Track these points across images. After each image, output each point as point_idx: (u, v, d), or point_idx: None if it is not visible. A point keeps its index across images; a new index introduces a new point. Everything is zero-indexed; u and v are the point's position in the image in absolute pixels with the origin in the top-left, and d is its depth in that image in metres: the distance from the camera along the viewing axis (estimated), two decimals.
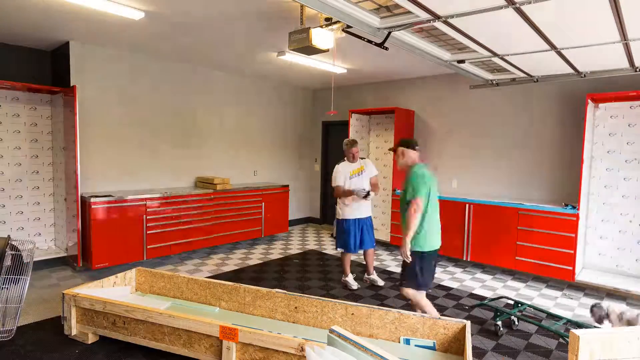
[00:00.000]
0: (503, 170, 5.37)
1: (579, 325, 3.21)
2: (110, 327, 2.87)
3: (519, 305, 3.59)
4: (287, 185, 6.60)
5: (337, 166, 4.32)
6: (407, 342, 2.72)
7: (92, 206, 4.29)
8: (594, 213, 4.60)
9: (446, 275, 4.84)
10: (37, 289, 4.04)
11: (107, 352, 2.83)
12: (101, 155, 4.88)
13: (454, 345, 2.67)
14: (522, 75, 4.49)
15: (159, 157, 5.47)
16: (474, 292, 4.30)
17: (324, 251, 5.86)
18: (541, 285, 4.55)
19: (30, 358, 2.75)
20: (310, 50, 3.26)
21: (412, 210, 2.84)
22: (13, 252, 3.03)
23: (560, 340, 3.19)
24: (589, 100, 4.20)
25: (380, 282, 4.46)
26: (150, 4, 3.35)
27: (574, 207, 4.31)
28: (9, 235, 3.17)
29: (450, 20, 2.70)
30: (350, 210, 4.28)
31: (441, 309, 3.77)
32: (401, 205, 3.07)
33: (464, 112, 5.71)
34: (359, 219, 4.31)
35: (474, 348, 3.04)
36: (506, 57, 3.70)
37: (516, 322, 3.45)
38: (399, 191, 5.80)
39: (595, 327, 3.22)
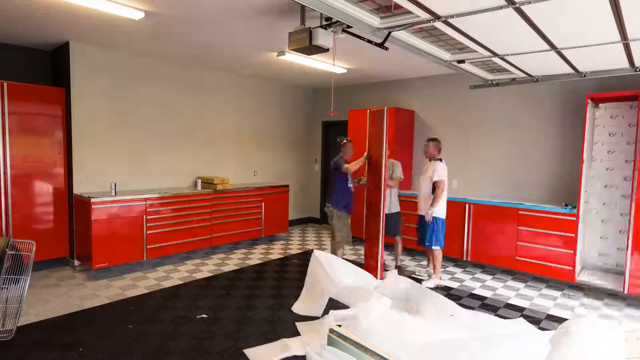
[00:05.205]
0: (503, 170, 5.37)
1: None
2: None
3: None
4: (287, 185, 6.60)
5: (439, 163, 4.47)
6: None
7: (92, 206, 4.28)
8: (594, 213, 4.60)
9: (446, 275, 4.84)
10: (37, 289, 4.05)
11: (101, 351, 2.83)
12: (101, 155, 4.89)
13: None
14: (522, 75, 4.49)
15: (159, 157, 5.47)
16: (474, 292, 4.30)
17: (324, 251, 5.85)
18: (541, 285, 4.55)
19: (30, 358, 2.75)
20: (310, 50, 3.26)
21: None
22: (13, 252, 3.03)
23: None
24: (589, 100, 4.20)
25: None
26: (150, 4, 3.35)
27: (574, 207, 4.31)
28: (9, 235, 3.18)
29: (450, 20, 2.70)
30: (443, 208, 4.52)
31: None
32: None
33: (464, 112, 5.71)
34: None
35: None
36: (506, 57, 3.70)
37: None
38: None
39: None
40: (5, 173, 4.28)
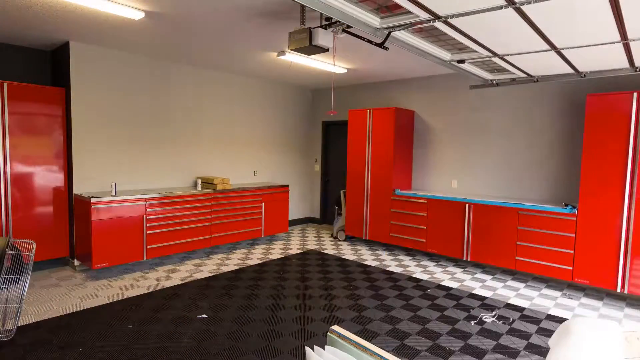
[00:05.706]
0: (503, 170, 5.37)
1: None
2: None
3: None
4: (287, 185, 6.61)
5: None
6: None
7: (92, 206, 4.29)
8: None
9: (446, 275, 4.85)
10: (37, 289, 4.05)
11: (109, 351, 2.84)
12: (101, 155, 4.89)
13: None
14: (522, 75, 4.49)
15: (158, 157, 5.48)
16: (474, 292, 4.31)
17: (324, 251, 5.86)
18: (541, 285, 4.55)
19: (30, 358, 2.75)
20: (310, 50, 3.26)
21: None
22: (13, 252, 3.03)
23: None
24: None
25: None
26: (150, 4, 3.36)
27: (574, 207, 4.32)
28: (9, 235, 3.18)
29: (450, 20, 2.70)
30: None
31: (441, 309, 3.78)
32: None
33: (464, 112, 5.71)
34: None
35: (473, 348, 3.04)
36: (506, 57, 3.70)
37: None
38: (399, 191, 5.80)
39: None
40: (5, 173, 4.28)
